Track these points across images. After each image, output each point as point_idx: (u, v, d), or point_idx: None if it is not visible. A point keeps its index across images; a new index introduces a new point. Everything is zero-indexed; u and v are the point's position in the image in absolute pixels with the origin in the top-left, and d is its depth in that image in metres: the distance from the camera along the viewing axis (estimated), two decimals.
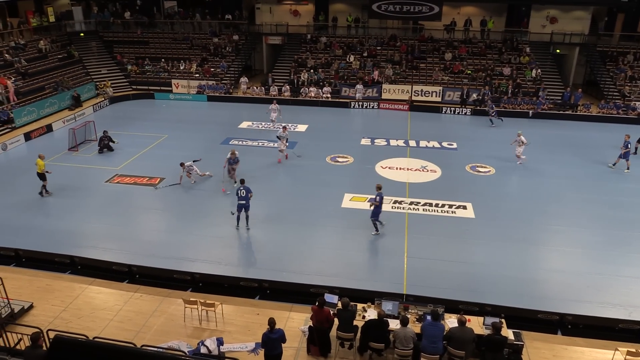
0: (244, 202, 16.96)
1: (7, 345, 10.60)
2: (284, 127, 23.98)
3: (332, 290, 12.99)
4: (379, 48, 37.89)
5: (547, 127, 28.99)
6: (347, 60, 36.98)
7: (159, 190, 20.50)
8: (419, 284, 14.00)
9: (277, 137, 23.69)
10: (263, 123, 29.58)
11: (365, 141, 26.40)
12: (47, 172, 20.26)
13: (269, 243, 16.47)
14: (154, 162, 23.64)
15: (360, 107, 33.19)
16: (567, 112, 31.09)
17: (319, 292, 12.88)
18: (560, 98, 32.40)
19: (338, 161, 23.45)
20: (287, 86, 34.93)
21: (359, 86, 33.93)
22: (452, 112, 32.18)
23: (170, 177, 21.72)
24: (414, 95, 33.75)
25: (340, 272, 14.69)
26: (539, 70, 34.57)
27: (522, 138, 22.27)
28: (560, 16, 37.19)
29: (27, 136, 27.49)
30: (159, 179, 21.55)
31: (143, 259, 15.32)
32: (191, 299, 12.24)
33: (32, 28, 37.43)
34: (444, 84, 34.07)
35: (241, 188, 17.08)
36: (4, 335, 10.91)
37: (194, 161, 21.53)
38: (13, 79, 31.35)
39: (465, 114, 31.86)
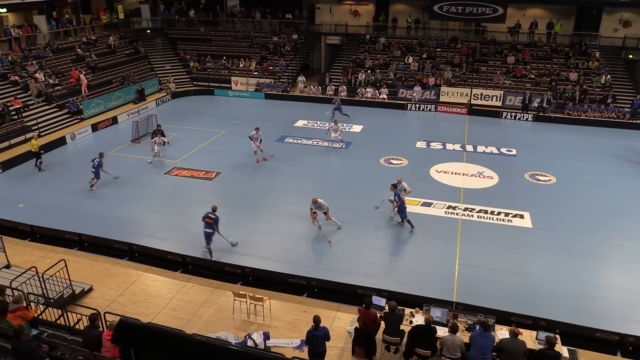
0: (405, 205, 16.59)
1: (68, 324, 11.23)
2: (257, 129, 23.42)
3: (379, 292, 12.87)
4: (438, 50, 37.25)
5: (613, 136, 27.57)
6: (406, 61, 36.60)
7: (216, 185, 21.07)
8: (469, 292, 13.71)
9: (250, 137, 23.50)
10: (318, 122, 29.72)
11: (420, 144, 26.03)
12: (41, 152, 22.40)
13: (319, 242, 16.59)
14: (211, 156, 24.20)
15: (417, 109, 32.73)
16: (636, 122, 29.46)
17: (366, 294, 12.80)
18: (629, 106, 30.73)
19: (392, 163, 23.25)
20: (344, 86, 35.00)
21: (417, 88, 33.49)
22: (513, 117, 31.17)
23: (226, 171, 22.29)
24: (473, 99, 32.97)
25: (389, 275, 14.62)
26: (609, 77, 32.90)
27: (405, 185, 17.91)
28: (634, 19, 35.19)
29: (94, 127, 28.84)
30: (215, 173, 22.17)
31: (196, 250, 15.77)
32: (241, 292, 12.43)
33: (103, 24, 39.36)
34: (505, 88, 33.07)
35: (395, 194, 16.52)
36: (65, 314, 11.55)
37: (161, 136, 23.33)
38: (84, 72, 33.11)
39: (527, 119, 30.81)
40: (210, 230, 15.35)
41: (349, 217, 17.80)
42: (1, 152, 24.53)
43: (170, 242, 16.40)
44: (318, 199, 16.99)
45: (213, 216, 15.38)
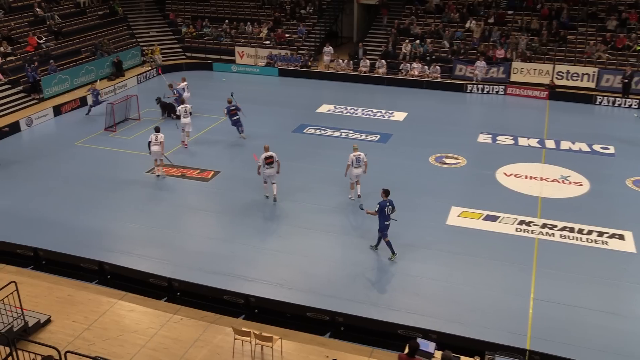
0: (390, 222, 16.77)
1: None
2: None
3: (427, 334, 12.75)
4: (510, 12, 36.96)
5: None
6: (466, 27, 36.40)
7: (213, 188, 21.28)
8: (548, 338, 13.50)
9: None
10: (348, 107, 29.82)
11: (484, 138, 25.85)
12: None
13: (347, 263, 16.58)
14: (207, 150, 24.45)
15: (479, 91, 32.52)
16: None
17: (409, 335, 12.71)
18: None
19: (445, 163, 23.14)
20: (383, 61, 35.01)
21: (480, 63, 33.26)
22: (611, 104, 30.72)
23: (227, 170, 22.52)
24: (557, 78, 32.59)
25: (439, 311, 14.48)
26: None
27: (362, 155, 20.04)
28: None
29: (57, 110, 29.45)
30: (212, 172, 22.35)
31: (187, 272, 15.85)
32: (243, 329, 12.44)
33: None
34: (601, 65, 32.62)
35: (388, 202, 16.73)
36: (14, 353, 11.70)
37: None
38: (44, 38, 33.76)
39: (630, 106, 30.32)
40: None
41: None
42: None
43: (154, 261, 16.58)
44: (358, 149, 19.75)
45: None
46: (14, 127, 26.88)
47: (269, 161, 19.91)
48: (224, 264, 16.36)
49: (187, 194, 21.01)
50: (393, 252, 16.76)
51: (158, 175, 22.17)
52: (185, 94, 27.89)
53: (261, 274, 15.98)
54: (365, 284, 15.67)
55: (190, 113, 25.40)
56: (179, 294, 15.22)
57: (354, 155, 19.67)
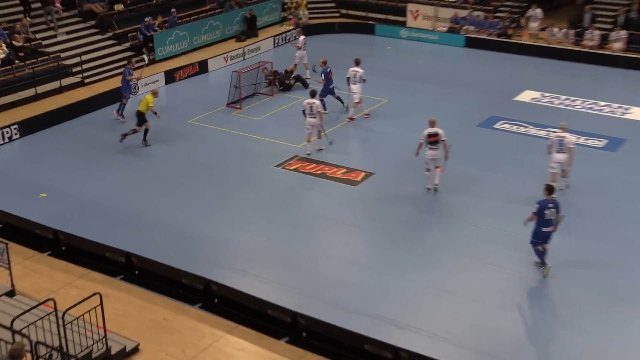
0: (550, 228, 16.92)
1: None
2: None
3: None
4: None
5: None
6: None
7: (362, 195, 21.41)
8: None
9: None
10: (562, 97, 28.97)
11: None
12: (155, 112, 24.27)
13: (540, 320, 16.08)
14: (360, 143, 24.77)
15: None
16: None
17: None
18: None
19: None
20: (622, 32, 33.53)
21: None
22: None
23: (383, 172, 22.53)
24: None
25: None
26: None
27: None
28: None
29: (169, 76, 30.93)
30: (363, 173, 22.44)
31: (318, 306, 15.97)
32: None
33: None
34: None
35: (550, 203, 16.98)
36: None
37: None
38: None
39: None
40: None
41: (611, 291, 17.03)
42: (17, 105, 27.40)
43: (275, 285, 16.95)
44: (567, 129, 20.44)
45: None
46: (115, 95, 28.07)
47: (433, 139, 20.17)
48: (368, 301, 16.32)
49: (327, 200, 21.30)
50: (544, 264, 17.19)
51: (308, 154, 23.53)
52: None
53: (419, 321, 15.80)
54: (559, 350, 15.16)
55: (364, 80, 26.12)
56: (305, 334, 15.28)
57: (557, 138, 20.22)
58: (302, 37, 31.12)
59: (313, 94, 23.51)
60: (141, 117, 24.10)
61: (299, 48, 30.95)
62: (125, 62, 28.40)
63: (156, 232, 19.38)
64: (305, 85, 29.46)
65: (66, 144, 25.10)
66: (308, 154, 23.41)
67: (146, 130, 24.28)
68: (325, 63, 26.94)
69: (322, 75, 26.67)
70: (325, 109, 25.89)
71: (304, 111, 23.25)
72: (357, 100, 26.18)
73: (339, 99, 26.96)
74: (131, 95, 27.15)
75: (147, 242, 18.58)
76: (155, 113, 24.16)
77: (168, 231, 19.37)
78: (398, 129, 25.51)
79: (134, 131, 24.22)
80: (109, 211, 20.44)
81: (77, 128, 26.55)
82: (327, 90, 26.57)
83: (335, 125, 25.73)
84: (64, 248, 18.42)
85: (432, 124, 20.64)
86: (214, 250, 18.52)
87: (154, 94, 24.57)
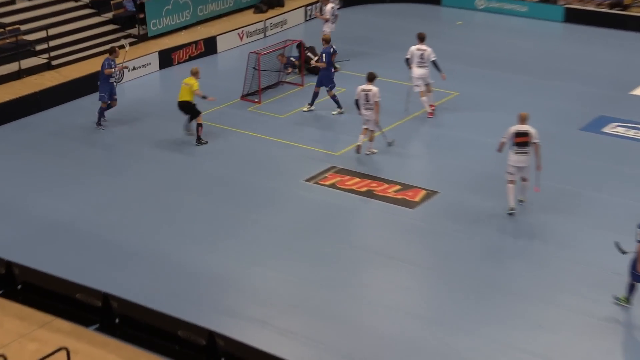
0: None
1: None
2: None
3: None
4: None
5: None
6: None
7: (423, 221, 21.01)
8: None
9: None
10: None
11: None
12: (204, 97, 24.76)
13: None
14: (421, 149, 24.72)
15: None
16: None
17: None
18: None
19: None
20: None
21: None
22: None
23: (451, 190, 22.25)
24: None
25: None
26: None
27: None
28: None
29: (165, 57, 31.00)
30: (423, 191, 22.15)
31: None
32: None
33: None
34: None
35: None
36: None
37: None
38: None
39: None
40: None
41: None
42: None
43: (302, 341, 16.68)
44: None
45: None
46: (92, 82, 27.86)
47: (521, 140, 20.07)
48: None
49: (374, 227, 21.08)
50: (628, 300, 17.47)
51: (367, 154, 23.95)
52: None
53: None
54: None
55: (434, 62, 26.20)
56: None
57: None
58: (329, 6, 31.02)
59: (371, 78, 23.41)
60: (192, 109, 24.69)
61: (326, 21, 30.87)
62: (105, 44, 28.48)
63: (145, 266, 18.97)
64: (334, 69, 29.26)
65: (25, 147, 24.98)
66: (367, 154, 23.57)
67: (199, 126, 24.68)
68: (328, 41, 26.91)
69: (324, 55, 26.56)
70: (340, 106, 26.26)
71: (357, 101, 23.29)
72: (421, 89, 26.08)
73: (334, 99, 26.84)
74: (116, 98, 26.25)
75: (132, 280, 18.17)
76: (205, 97, 24.53)
77: (161, 266, 18.97)
78: (471, 133, 25.37)
79: (199, 125, 24.83)
80: (82, 238, 20.11)
81: (40, 126, 26.52)
82: (329, 77, 26.62)
83: (390, 125, 25.52)
84: (19, 287, 18.26)
85: (523, 119, 20.31)
86: (222, 293, 18.06)
87: (195, 74, 24.72)
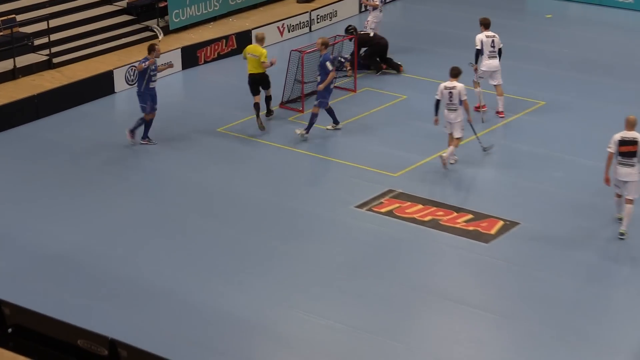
0: None
1: None
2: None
3: None
4: None
5: None
6: None
7: (500, 258, 20.93)
8: None
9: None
10: None
11: None
12: (271, 62, 26.34)
13: None
14: (496, 169, 24.69)
15: None
16: None
17: None
18: None
19: None
20: None
21: None
22: None
23: (535, 220, 22.18)
24: None
25: None
26: None
27: None
28: None
29: (189, 55, 31.29)
30: (501, 222, 22.11)
31: None
32: None
33: None
34: None
35: None
36: None
37: None
38: None
39: None
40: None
41: None
42: None
43: None
44: None
45: None
46: (105, 84, 28.56)
47: (627, 149, 20.39)
48: None
49: (439, 263, 20.99)
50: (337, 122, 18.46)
51: (451, 163, 24.48)
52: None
53: None
54: None
55: (499, 52, 26.29)
56: None
57: None
58: None
59: (455, 74, 23.68)
60: (268, 81, 25.98)
61: (374, 8, 31.00)
62: (117, 39, 28.69)
63: (160, 307, 18.98)
64: (396, 69, 29.54)
65: (19, 162, 25.29)
66: (452, 162, 23.83)
67: (268, 99, 25.99)
68: (327, 45, 26.91)
69: (329, 63, 26.36)
70: (336, 122, 26.49)
71: (438, 102, 23.57)
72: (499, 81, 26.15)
73: (311, 120, 26.66)
74: (156, 108, 26.10)
75: (146, 324, 18.16)
76: (272, 63, 25.55)
77: (177, 308, 18.97)
78: (560, 150, 25.36)
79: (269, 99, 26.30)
80: (86, 272, 20.19)
81: (37, 136, 26.78)
82: (327, 89, 26.46)
83: (464, 139, 25.32)
84: (10, 330, 18.50)
85: (631, 125, 20.28)
86: (250, 340, 18.03)
87: (261, 40, 26.07)
